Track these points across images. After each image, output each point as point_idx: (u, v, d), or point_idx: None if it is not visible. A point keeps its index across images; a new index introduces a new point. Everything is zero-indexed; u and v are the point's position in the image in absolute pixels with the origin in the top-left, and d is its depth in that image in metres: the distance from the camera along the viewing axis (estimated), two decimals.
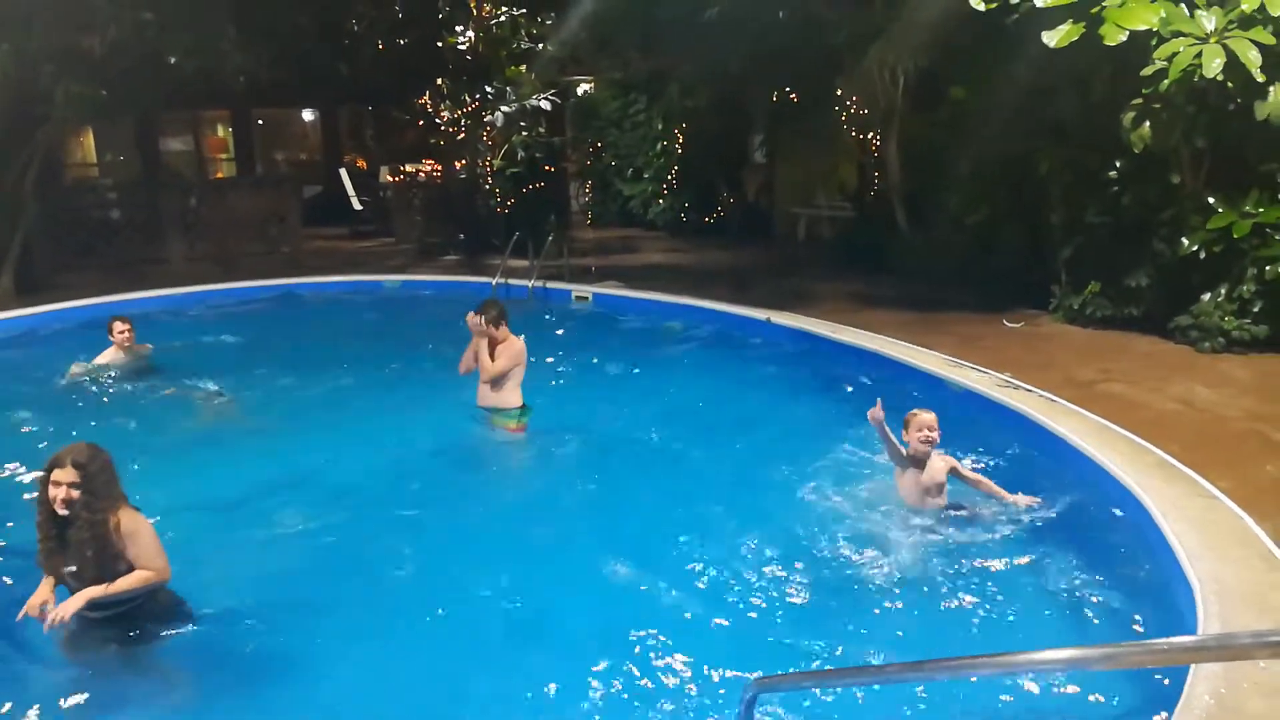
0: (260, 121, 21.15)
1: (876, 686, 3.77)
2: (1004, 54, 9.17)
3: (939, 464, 5.63)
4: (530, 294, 12.43)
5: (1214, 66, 7.40)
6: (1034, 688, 3.83)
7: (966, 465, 5.89)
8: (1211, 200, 8.40)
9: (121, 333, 8.46)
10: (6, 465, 6.32)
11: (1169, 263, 8.82)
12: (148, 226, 14.79)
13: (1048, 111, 9.37)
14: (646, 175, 18.60)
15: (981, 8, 8.71)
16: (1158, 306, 9.02)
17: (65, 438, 6.79)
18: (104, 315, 11.12)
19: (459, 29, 15.09)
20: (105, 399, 8.04)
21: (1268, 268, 8.10)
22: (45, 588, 3.95)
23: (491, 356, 7.02)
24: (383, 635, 4.56)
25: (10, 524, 5.41)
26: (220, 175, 20.41)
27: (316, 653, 4.41)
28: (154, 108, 16.11)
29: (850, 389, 8.28)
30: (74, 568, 3.86)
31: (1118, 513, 5.37)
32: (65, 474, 3.77)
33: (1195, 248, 8.41)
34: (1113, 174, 9.13)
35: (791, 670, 3.91)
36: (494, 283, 12.65)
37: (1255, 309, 8.24)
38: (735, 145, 17.56)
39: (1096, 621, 4.47)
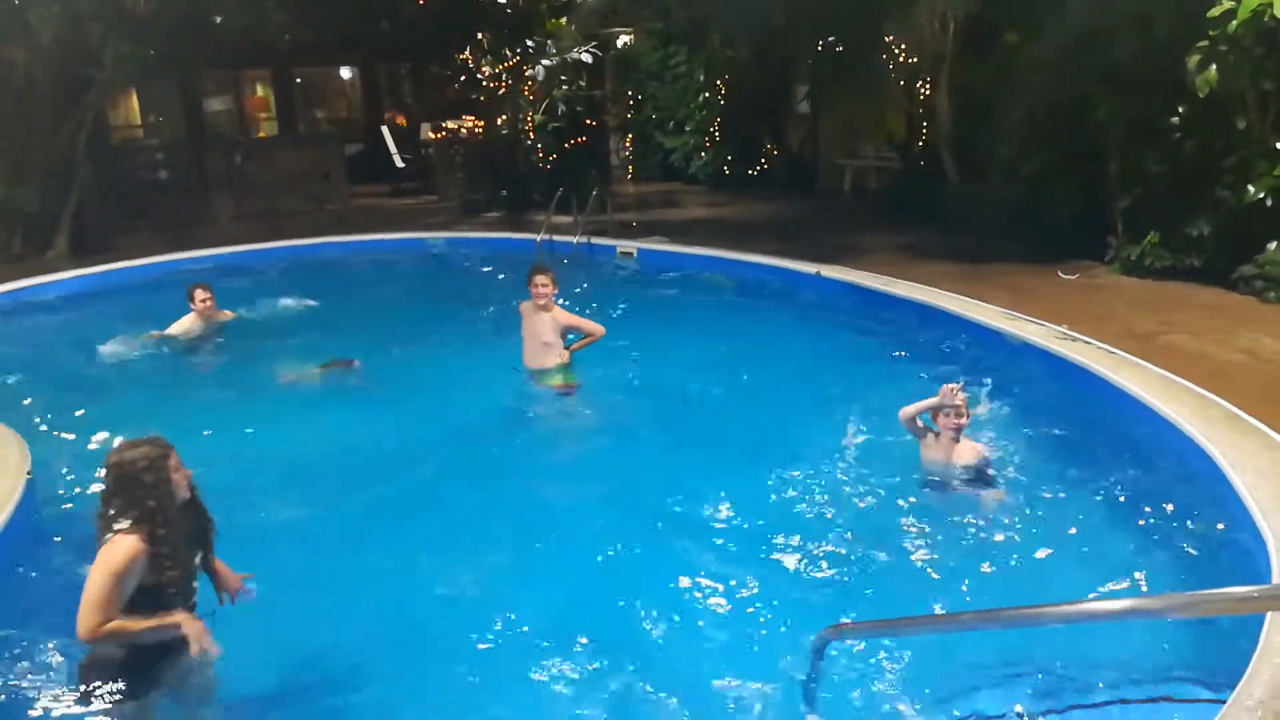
0: (299, 80, 21.13)
1: (946, 635, 3.77)
2: None
3: (968, 452, 5.33)
4: (574, 250, 12.41)
5: None
6: (1106, 638, 3.81)
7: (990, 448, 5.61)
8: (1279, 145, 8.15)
9: (203, 300, 8.41)
10: (93, 435, 6.37)
11: (1232, 211, 8.59)
12: (194, 186, 14.95)
13: (1106, 56, 9.09)
14: (688, 128, 18.40)
15: None
16: (1219, 256, 8.81)
17: (135, 405, 7.06)
18: (159, 275, 11.44)
19: None
20: (182, 364, 8.13)
21: None
22: (184, 617, 3.41)
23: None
24: (449, 593, 4.60)
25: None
26: (262, 134, 20.48)
27: (380, 602, 4.55)
28: (198, 67, 16.18)
29: (903, 342, 8.21)
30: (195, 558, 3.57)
31: (1185, 466, 5.28)
32: (177, 458, 3.49)
33: (1262, 194, 8.18)
34: (1174, 120, 8.88)
35: (859, 619, 3.93)
36: (538, 239, 12.64)
37: None
38: (778, 96, 17.30)
39: (1167, 575, 4.43)
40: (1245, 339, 7.33)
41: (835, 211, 15.04)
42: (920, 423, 5.44)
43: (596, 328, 7.38)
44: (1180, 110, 8.77)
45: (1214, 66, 7.87)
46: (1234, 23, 7.47)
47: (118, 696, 3.33)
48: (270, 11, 12.15)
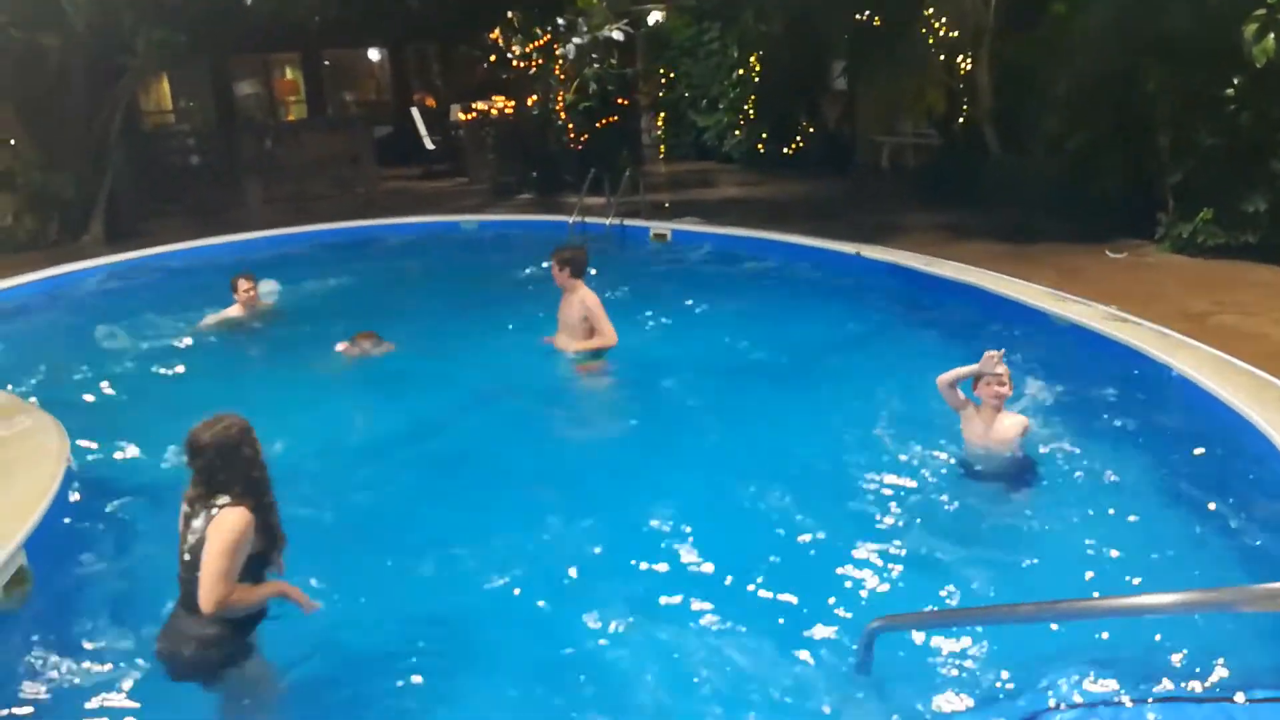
0: (327, 63, 21.09)
1: (1000, 626, 3.64)
2: None
3: (1010, 426, 5.08)
4: (608, 232, 12.27)
5: None
6: (1170, 630, 3.65)
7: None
8: None
9: (247, 291, 8.32)
10: (132, 422, 6.37)
11: None
12: (225, 171, 14.98)
13: (1156, 25, 8.78)
14: (722, 106, 18.15)
15: None
16: (1276, 233, 8.52)
17: (175, 391, 7.06)
18: (194, 260, 11.46)
19: None
20: (222, 352, 8.07)
21: None
22: (284, 584, 3.56)
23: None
24: (482, 568, 4.53)
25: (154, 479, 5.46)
26: (291, 118, 20.49)
27: (409, 577, 4.50)
28: (228, 52, 16.19)
29: (946, 324, 8.02)
30: None
31: (1243, 451, 5.09)
32: None
33: None
34: (1229, 91, 8.56)
35: (901, 609, 3.81)
36: (571, 221, 12.51)
37: None
38: (814, 72, 17.00)
39: (1225, 564, 4.27)
40: None
41: (873, 190, 14.81)
42: (960, 393, 5.21)
43: (609, 334, 7.06)
44: (1235, 81, 8.45)
45: (1272, 35, 7.56)
46: None
47: (219, 669, 3.41)
48: None
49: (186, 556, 3.35)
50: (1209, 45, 8.47)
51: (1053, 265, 9.03)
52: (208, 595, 3.23)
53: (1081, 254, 9.48)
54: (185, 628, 3.35)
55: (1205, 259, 8.96)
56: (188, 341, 8.21)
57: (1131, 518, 4.71)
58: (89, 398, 6.91)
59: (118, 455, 5.87)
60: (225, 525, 3.29)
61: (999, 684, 3.48)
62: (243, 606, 3.37)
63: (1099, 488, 5.03)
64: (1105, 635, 3.64)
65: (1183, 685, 3.33)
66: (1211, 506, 4.71)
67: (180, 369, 7.60)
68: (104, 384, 7.18)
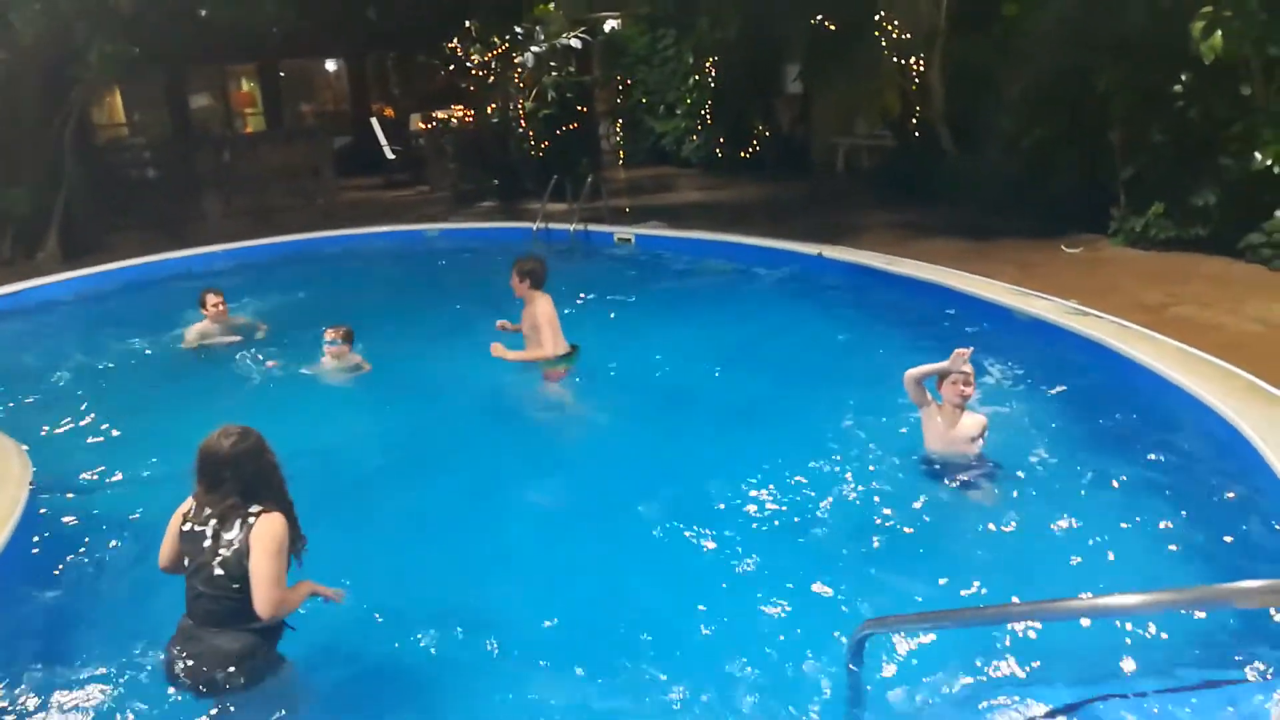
0: (283, 74, 20.89)
1: (997, 628, 3.69)
2: None
3: (970, 425, 5.11)
4: (571, 237, 12.30)
5: None
6: (1149, 628, 3.73)
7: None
8: None
9: (215, 305, 8.09)
10: (98, 443, 6.28)
11: (1238, 179, 8.53)
12: (183, 184, 14.77)
13: (1108, 25, 8.99)
14: (679, 111, 18.26)
15: None
16: (1225, 226, 8.75)
17: (142, 410, 6.96)
18: (155, 274, 11.30)
19: None
20: (190, 369, 7.93)
21: None
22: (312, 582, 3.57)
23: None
24: (460, 593, 4.51)
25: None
26: (249, 130, 20.27)
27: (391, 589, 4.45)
28: (184, 63, 15.98)
29: (910, 323, 8.13)
30: None
31: (1211, 441, 5.21)
32: None
33: (1269, 162, 8.11)
34: (1177, 88, 8.79)
35: (890, 612, 3.85)
36: (535, 227, 12.53)
37: None
38: (768, 76, 17.17)
39: (1202, 556, 4.33)
40: (1256, 308, 7.29)
41: (830, 191, 14.95)
42: (925, 390, 5.23)
43: (546, 346, 6.95)
44: (1184, 78, 8.68)
45: (1219, 33, 7.77)
46: None
47: (261, 678, 3.40)
48: (259, 3, 11.93)
49: (218, 571, 3.29)
50: (1159, 43, 8.68)
51: (1011, 261, 9.20)
52: (267, 600, 3.23)
53: (1038, 249, 9.66)
54: (222, 642, 3.30)
55: (1158, 252, 9.18)
56: (154, 358, 8.10)
57: (1100, 512, 4.72)
58: (50, 419, 6.74)
59: (83, 478, 5.75)
60: (270, 531, 3.31)
61: (989, 684, 3.50)
62: (293, 607, 3.39)
63: (1065, 482, 5.07)
64: (1093, 634, 3.69)
65: (1168, 678, 3.39)
66: (1183, 496, 4.78)
67: (147, 387, 7.49)
68: (67, 404, 7.03)
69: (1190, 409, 5.49)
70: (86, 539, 5.06)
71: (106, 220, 13.60)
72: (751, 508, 5.05)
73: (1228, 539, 4.40)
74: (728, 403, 6.78)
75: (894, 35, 12.67)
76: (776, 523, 4.89)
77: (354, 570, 4.33)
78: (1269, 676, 3.23)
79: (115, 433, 6.48)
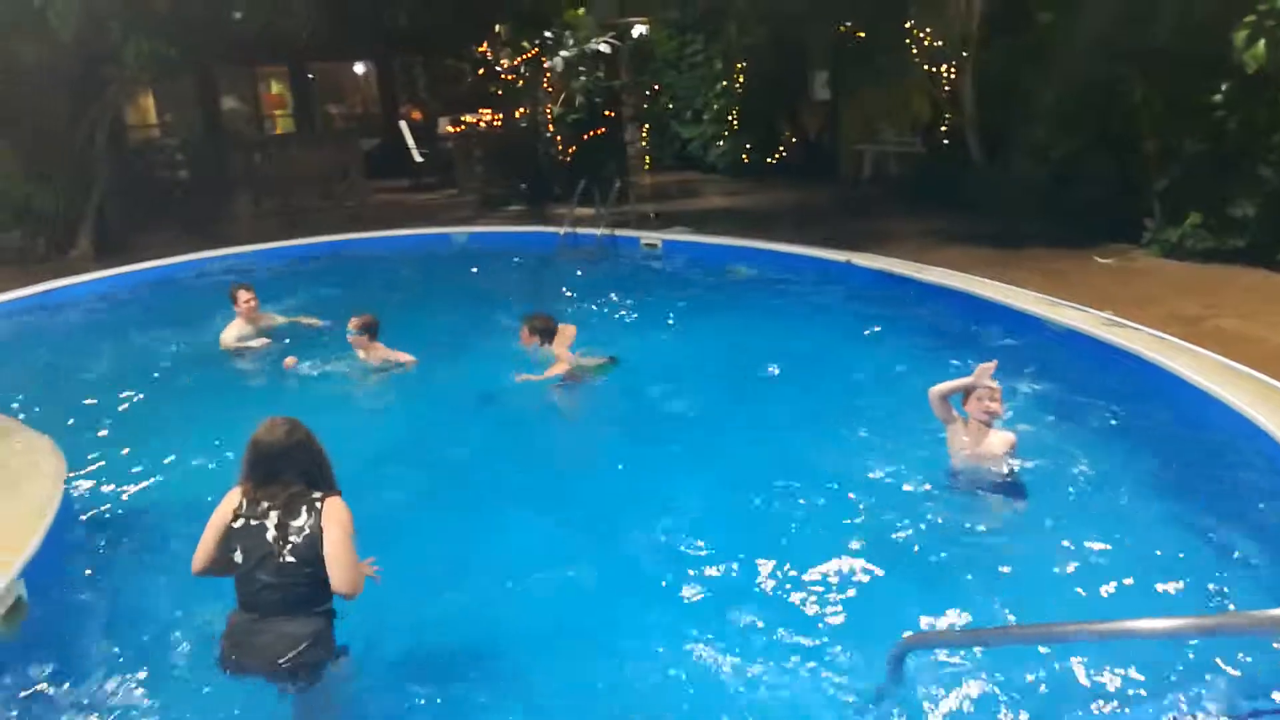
0: (311, 75, 21.01)
1: (1037, 647, 3.63)
2: None
3: (997, 443, 5.01)
4: (599, 242, 12.30)
5: None
6: (1196, 648, 3.65)
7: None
8: None
9: (247, 302, 8.01)
10: (130, 441, 6.31)
11: (1277, 190, 8.41)
12: (214, 184, 14.90)
13: (1143, 34, 8.90)
14: (706, 117, 18.24)
15: None
16: (1265, 237, 8.64)
17: (171, 409, 7.01)
18: (186, 273, 11.39)
19: None
20: (220, 369, 7.91)
21: None
22: None
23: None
24: (478, 598, 4.52)
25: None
26: (279, 131, 20.42)
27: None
28: (216, 64, 16.12)
29: (940, 331, 8.07)
30: None
31: (1256, 457, 5.12)
32: None
33: None
34: (1216, 98, 8.69)
35: (938, 629, 3.80)
36: (562, 231, 12.55)
37: None
38: (796, 83, 17.12)
39: (1248, 575, 4.24)
40: None
41: (857, 198, 14.88)
42: (950, 406, 5.14)
43: (563, 360, 7.18)
44: (1223, 88, 8.57)
45: (1262, 41, 7.67)
46: None
47: (329, 662, 3.45)
48: (291, 4, 12.01)
49: (288, 559, 3.32)
50: (1194, 53, 8.58)
51: (1041, 270, 9.12)
52: (349, 579, 3.30)
53: (1069, 259, 9.58)
54: (292, 628, 3.33)
55: (1194, 263, 9.07)
56: (187, 356, 8.14)
57: (1145, 528, 4.66)
58: (84, 417, 6.80)
59: (117, 476, 5.78)
60: (340, 514, 3.40)
61: (1027, 703, 3.47)
62: (362, 585, 3.42)
63: (1101, 501, 4.99)
64: (1136, 656, 3.62)
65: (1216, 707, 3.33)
66: (1226, 515, 4.68)
67: (178, 385, 7.55)
68: (100, 402, 7.10)
69: (1235, 425, 5.39)
70: (124, 536, 5.12)
71: (138, 220, 13.72)
72: (780, 519, 5.01)
73: (1269, 557, 4.33)
74: (756, 408, 6.78)
75: (925, 42, 12.60)
76: (806, 534, 4.85)
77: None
78: None
79: (146, 430, 6.53)
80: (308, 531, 3.34)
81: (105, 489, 5.65)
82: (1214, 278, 8.60)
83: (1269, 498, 4.81)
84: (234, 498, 3.46)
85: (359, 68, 21.83)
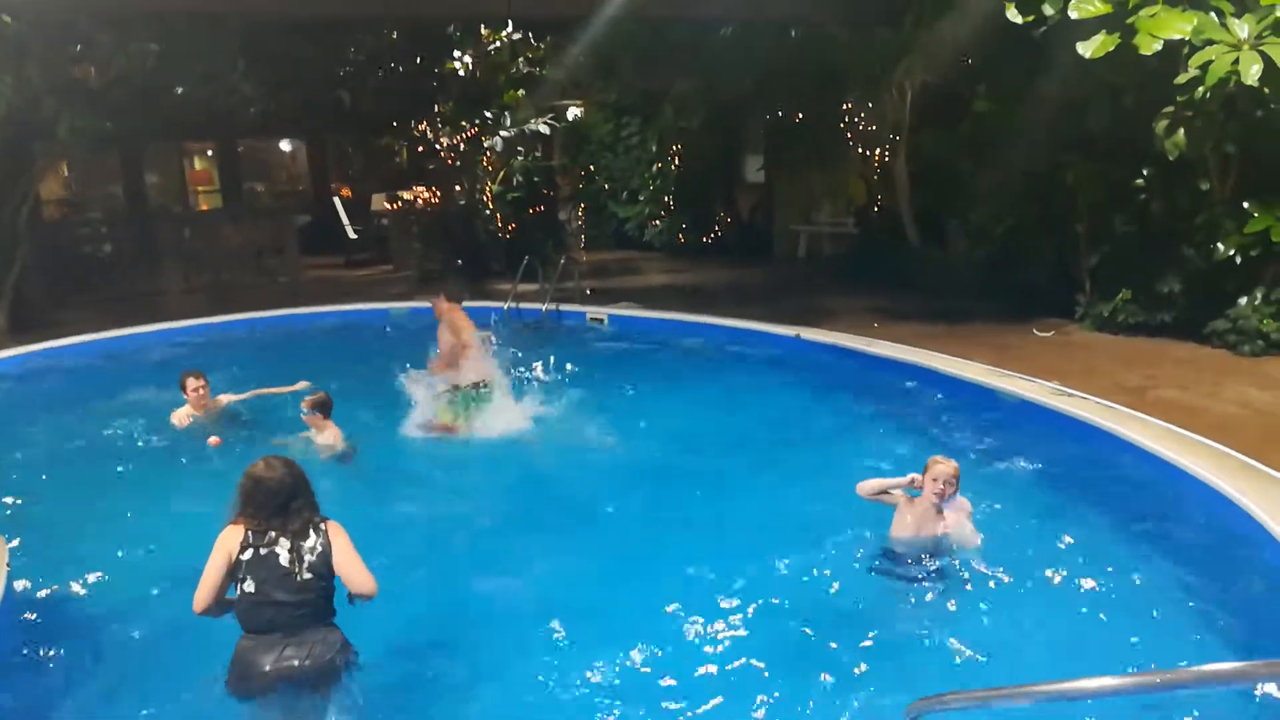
0: (240, 149, 20.77)
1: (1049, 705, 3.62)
2: (1031, 67, 9.23)
3: (950, 521, 4.99)
4: (544, 317, 12.27)
5: (1253, 73, 7.52)
6: (1190, 707, 3.71)
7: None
8: (1246, 205, 8.48)
9: (195, 390, 7.47)
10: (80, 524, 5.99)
11: (1200, 268, 8.90)
12: (140, 259, 14.47)
13: (1075, 123, 9.43)
14: (642, 197, 18.57)
15: (1018, 20, 8.76)
16: (1189, 312, 9.09)
17: (116, 492, 6.65)
18: (109, 349, 10.94)
19: (457, 55, 14.96)
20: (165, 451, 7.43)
21: None
22: None
23: None
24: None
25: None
26: (205, 207, 20.05)
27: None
28: (147, 139, 15.82)
29: (891, 404, 8.19)
30: None
31: (1216, 520, 5.30)
32: None
33: (1231, 252, 8.48)
34: (1139, 182, 9.20)
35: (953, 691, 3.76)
36: (505, 307, 12.50)
37: None
38: (731, 165, 17.61)
39: (1225, 630, 4.36)
40: (1233, 391, 7.53)
41: (793, 276, 15.21)
42: (887, 496, 5.10)
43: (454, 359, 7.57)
44: (1145, 173, 9.09)
45: (1182, 131, 8.19)
46: (1201, 89, 7.79)
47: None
48: (235, 83, 11.91)
49: (305, 576, 3.70)
50: (1122, 139, 9.11)
51: (986, 343, 9.40)
52: (368, 579, 3.77)
53: (1010, 333, 9.91)
54: (328, 636, 3.76)
55: (1125, 336, 9.48)
56: (134, 440, 7.74)
57: (1118, 593, 4.72)
58: (19, 499, 6.42)
59: (59, 562, 5.43)
60: (341, 530, 3.87)
61: None
62: None
63: (1068, 566, 5.02)
64: (1148, 712, 3.67)
65: None
66: (1196, 575, 4.83)
67: (118, 466, 7.17)
68: (36, 483, 6.71)
69: (1193, 490, 5.57)
70: (65, 615, 4.87)
71: (58, 295, 13.21)
72: (724, 593, 4.88)
73: (1249, 614, 4.45)
74: (711, 481, 6.68)
75: (859, 127, 13.12)
76: (750, 609, 4.73)
77: None
78: None
79: (97, 515, 6.18)
80: (320, 550, 3.76)
81: (51, 572, 5.30)
82: (1148, 351, 8.99)
83: (1229, 554, 4.98)
84: (235, 535, 3.74)
85: (288, 144, 21.69)
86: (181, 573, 4.81)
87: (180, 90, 11.57)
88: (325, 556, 3.75)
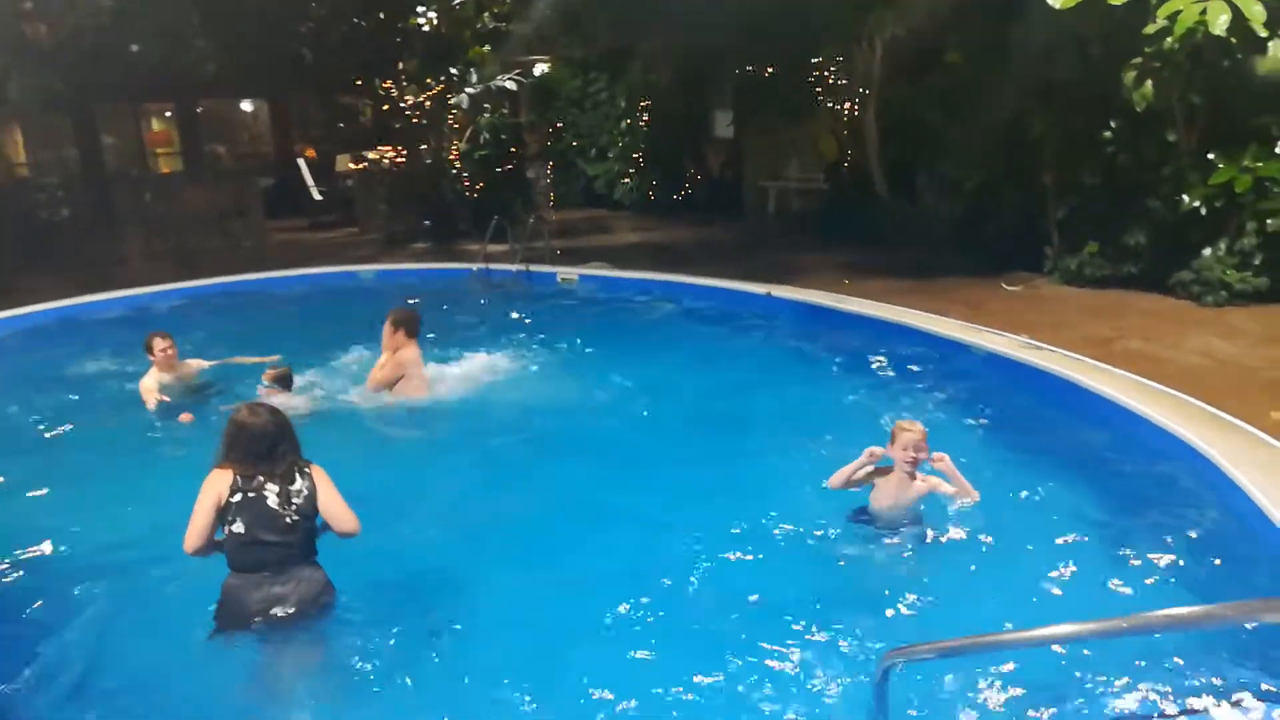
0: (200, 110, 20.29)
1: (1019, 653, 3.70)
2: (1001, 18, 9.18)
3: (922, 488, 4.93)
4: (515, 278, 12.19)
5: (1220, 23, 7.53)
6: (1159, 650, 3.78)
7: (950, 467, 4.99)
8: (1211, 156, 8.53)
9: (164, 350, 7.29)
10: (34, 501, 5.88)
11: (1165, 220, 8.96)
12: (99, 224, 14.17)
13: (1044, 75, 9.40)
14: (611, 155, 18.40)
15: None
16: (1155, 264, 9.17)
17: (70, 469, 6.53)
18: (68, 317, 10.74)
19: (421, 9, 14.64)
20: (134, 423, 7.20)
21: (1269, 221, 8.27)
22: None
23: None
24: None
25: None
26: (165, 169, 19.62)
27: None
28: (103, 100, 15.40)
29: (869, 360, 8.21)
30: None
31: (1181, 467, 5.38)
32: None
33: (1196, 204, 8.54)
34: (1107, 134, 9.22)
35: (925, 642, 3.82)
36: (475, 268, 12.42)
37: (1256, 261, 8.44)
38: (700, 121, 17.45)
39: (1186, 575, 4.43)
40: (1196, 341, 7.63)
41: (763, 233, 15.18)
42: (860, 474, 4.98)
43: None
44: (1113, 125, 9.11)
45: (1149, 82, 8.20)
46: (1170, 39, 7.79)
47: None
48: (191, 39, 11.58)
49: (293, 518, 3.96)
50: (1090, 92, 9.10)
51: (955, 299, 9.44)
52: (350, 518, 4.03)
53: (979, 287, 9.96)
54: (313, 575, 4.05)
55: (1093, 289, 9.56)
56: (79, 404, 7.61)
57: (1095, 547, 4.74)
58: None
59: (18, 532, 5.33)
60: (325, 474, 4.12)
61: (1019, 711, 3.53)
62: None
63: (1048, 516, 5.07)
64: (1105, 658, 3.72)
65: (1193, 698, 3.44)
66: (1164, 523, 4.87)
67: (80, 436, 7.04)
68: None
69: (1156, 438, 5.66)
70: (32, 586, 4.79)
71: (13, 261, 12.91)
72: (697, 548, 4.87)
73: (1214, 559, 4.54)
74: (683, 440, 6.69)
75: (829, 82, 13.03)
76: (725, 565, 4.73)
77: None
78: None
79: (48, 480, 6.07)
80: (306, 493, 4.00)
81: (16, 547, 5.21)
82: (1114, 303, 9.07)
83: (1199, 507, 5.04)
84: (224, 478, 3.95)
85: (251, 105, 21.24)
86: (150, 538, 4.88)
87: (135, 48, 11.21)
88: (311, 499, 3.99)
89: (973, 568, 4.66)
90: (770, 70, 14.30)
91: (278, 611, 3.94)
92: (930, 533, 4.92)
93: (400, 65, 15.04)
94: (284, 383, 7.09)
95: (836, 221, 13.49)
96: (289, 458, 4.03)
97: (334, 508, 4.02)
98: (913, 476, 4.90)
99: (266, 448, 3.98)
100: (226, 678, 3.97)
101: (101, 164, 17.58)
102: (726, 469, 6.09)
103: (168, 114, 20.09)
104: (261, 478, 3.95)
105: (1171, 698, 3.50)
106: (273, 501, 3.93)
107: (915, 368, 7.83)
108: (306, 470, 4.06)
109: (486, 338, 9.31)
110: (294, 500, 3.97)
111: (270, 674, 4.01)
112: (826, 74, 13.06)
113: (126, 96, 16.56)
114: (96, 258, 13.55)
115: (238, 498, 3.91)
